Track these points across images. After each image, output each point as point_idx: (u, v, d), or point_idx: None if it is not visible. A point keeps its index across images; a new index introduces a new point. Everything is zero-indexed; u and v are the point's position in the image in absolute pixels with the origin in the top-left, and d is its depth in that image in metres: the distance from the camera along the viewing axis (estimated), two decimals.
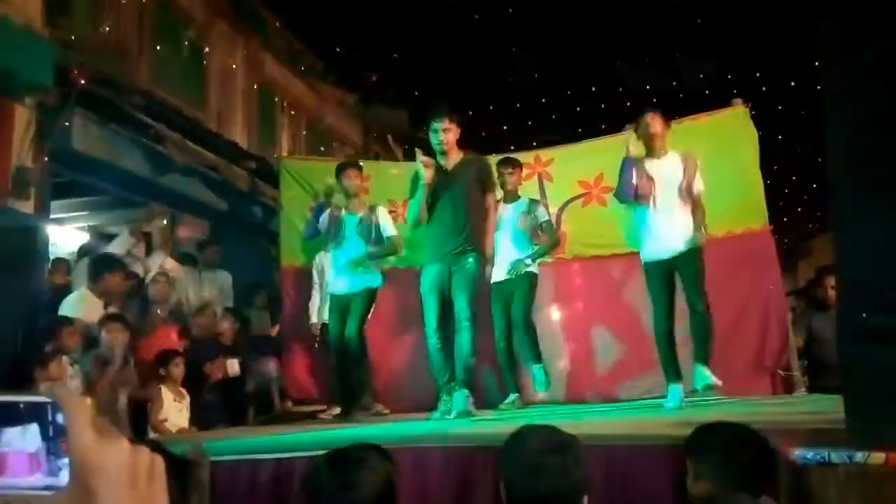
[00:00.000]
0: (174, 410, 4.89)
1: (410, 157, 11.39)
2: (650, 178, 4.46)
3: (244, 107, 8.77)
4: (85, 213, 7.91)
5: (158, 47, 7.10)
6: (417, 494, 2.65)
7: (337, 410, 5.49)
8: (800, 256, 13.11)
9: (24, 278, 5.08)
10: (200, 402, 5.27)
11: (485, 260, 4.57)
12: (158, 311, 5.68)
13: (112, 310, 5.12)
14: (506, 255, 5.28)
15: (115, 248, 5.69)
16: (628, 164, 4.50)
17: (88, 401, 0.57)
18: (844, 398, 2.42)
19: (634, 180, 4.47)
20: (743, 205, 5.62)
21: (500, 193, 5.27)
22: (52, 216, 6.20)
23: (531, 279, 5.38)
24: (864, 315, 2.33)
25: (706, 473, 2.05)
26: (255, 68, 9.06)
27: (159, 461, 0.59)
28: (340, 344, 5.22)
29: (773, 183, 5.75)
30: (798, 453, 2.03)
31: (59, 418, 0.56)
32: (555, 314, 6.00)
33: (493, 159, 5.52)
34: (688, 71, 8.46)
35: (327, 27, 8.64)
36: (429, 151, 4.64)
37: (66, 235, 7.85)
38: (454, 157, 4.60)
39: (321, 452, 2.10)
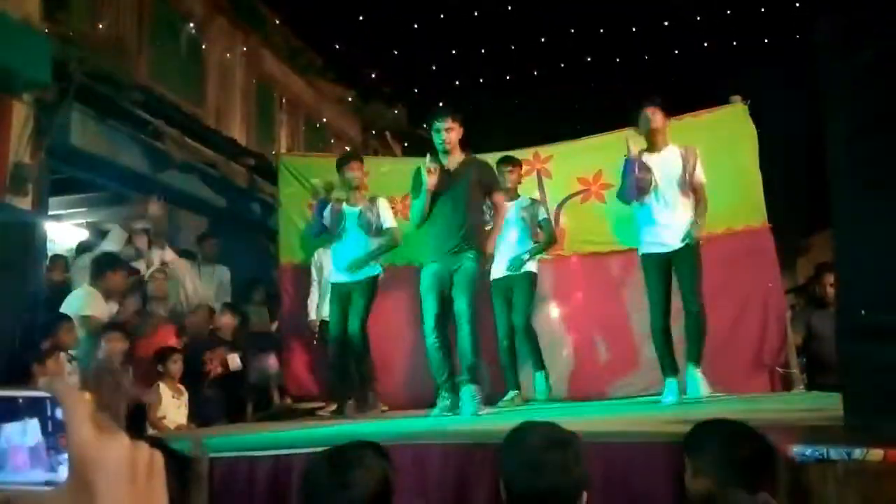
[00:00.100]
0: (172, 407, 4.89)
1: (409, 153, 11.41)
2: (649, 171, 4.46)
3: (243, 103, 8.76)
4: (83, 209, 7.90)
5: (157, 43, 7.09)
6: (417, 491, 2.65)
7: (335, 406, 5.50)
8: (799, 254, 13.10)
9: (22, 275, 5.08)
10: (200, 398, 5.28)
11: (484, 259, 4.58)
12: (159, 311, 5.67)
13: (113, 317, 5.13)
14: (506, 252, 5.31)
15: (109, 244, 5.68)
16: (630, 164, 4.48)
17: (87, 396, 0.57)
18: (843, 395, 2.42)
19: (637, 178, 4.46)
20: (742, 202, 5.63)
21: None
22: (50, 213, 6.19)
23: (531, 279, 5.40)
24: (862, 312, 2.33)
25: (705, 470, 2.05)
26: (254, 65, 9.05)
27: (158, 457, 0.59)
28: (341, 335, 5.23)
29: (773, 180, 5.74)
30: (797, 450, 2.03)
31: (58, 413, 0.56)
32: (553, 311, 6.01)
33: (493, 157, 5.52)
34: (687, 68, 8.46)
35: (326, 24, 8.62)
36: (428, 150, 4.64)
37: (64, 232, 7.84)
38: (456, 157, 4.61)
39: (319, 449, 2.10)
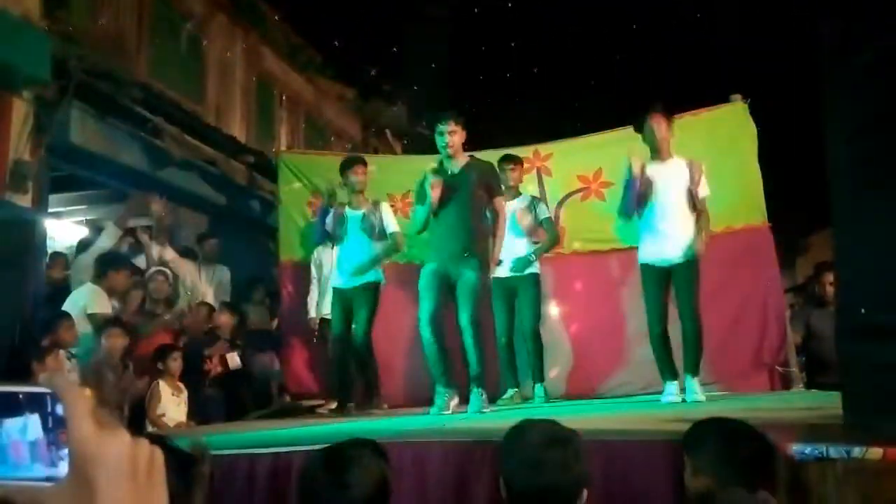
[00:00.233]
0: (172, 405, 4.90)
1: (409, 151, 11.41)
2: (650, 185, 4.46)
3: (243, 101, 8.75)
4: (83, 206, 7.90)
5: (157, 40, 7.08)
6: (416, 489, 2.66)
7: (335, 404, 5.50)
8: (798, 253, 13.12)
9: (22, 272, 5.08)
10: (200, 397, 5.28)
11: (486, 266, 4.58)
12: (158, 311, 5.67)
13: (114, 313, 5.14)
14: (508, 251, 5.29)
15: (103, 241, 5.67)
16: (632, 183, 4.48)
17: (88, 392, 0.57)
18: (842, 394, 2.43)
19: (638, 194, 4.47)
20: (742, 201, 5.63)
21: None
22: (50, 210, 6.19)
23: (536, 280, 5.41)
24: (862, 311, 2.33)
25: (704, 469, 2.05)
26: (254, 62, 9.04)
27: (159, 453, 0.59)
28: (342, 337, 5.23)
29: (773, 179, 5.74)
30: (796, 449, 2.03)
31: (59, 409, 0.56)
32: (552, 309, 6.00)
33: (494, 155, 5.52)
34: (687, 67, 8.46)
35: (326, 21, 8.61)
36: (428, 148, 4.65)
37: (64, 229, 7.84)
38: (459, 160, 4.62)
39: (319, 447, 2.10)
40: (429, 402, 4.81)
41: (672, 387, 4.46)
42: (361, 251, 5.24)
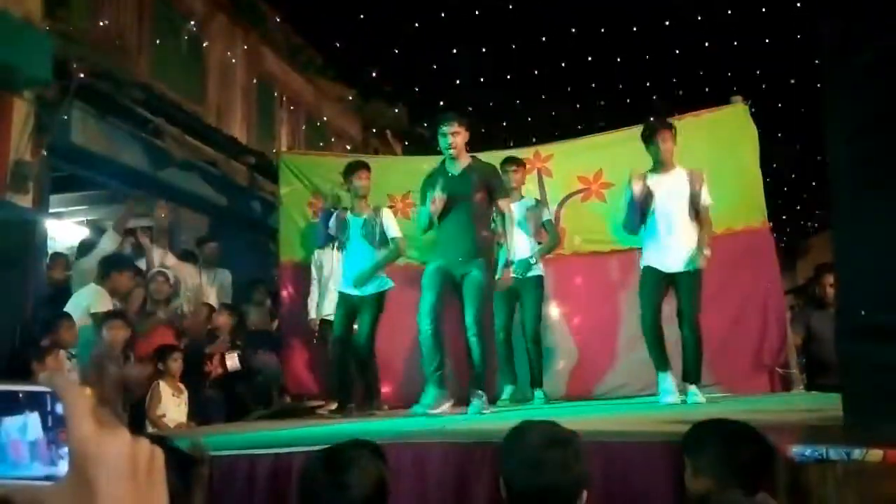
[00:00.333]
0: (172, 405, 4.89)
1: (409, 152, 11.42)
2: (651, 194, 4.49)
3: (243, 101, 8.76)
4: (84, 207, 7.91)
5: (158, 41, 7.09)
6: (417, 490, 2.66)
7: (335, 405, 5.51)
8: (799, 254, 13.12)
9: (23, 272, 5.09)
10: (201, 398, 5.28)
11: (491, 266, 4.60)
12: (158, 311, 5.68)
13: (114, 306, 5.15)
14: (511, 252, 5.30)
15: (104, 244, 5.68)
16: (634, 205, 4.54)
17: (88, 391, 0.57)
18: (842, 396, 2.43)
19: (640, 210, 4.52)
20: (742, 202, 5.63)
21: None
22: (50, 210, 6.19)
23: (539, 283, 5.42)
24: (862, 313, 2.33)
25: (704, 470, 2.05)
26: (255, 63, 9.05)
27: (159, 453, 0.59)
28: (343, 340, 5.23)
29: (773, 181, 5.75)
30: (796, 450, 2.03)
31: (58, 408, 0.56)
32: (552, 310, 6.00)
33: (495, 156, 5.52)
34: (688, 69, 8.46)
35: (326, 22, 8.61)
36: (428, 149, 4.65)
37: (64, 230, 7.85)
38: (462, 161, 4.62)
39: (319, 448, 2.10)
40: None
41: (666, 378, 4.50)
42: (363, 258, 5.22)
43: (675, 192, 4.49)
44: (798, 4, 6.12)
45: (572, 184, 6.15)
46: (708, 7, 7.65)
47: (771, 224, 5.68)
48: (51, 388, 0.56)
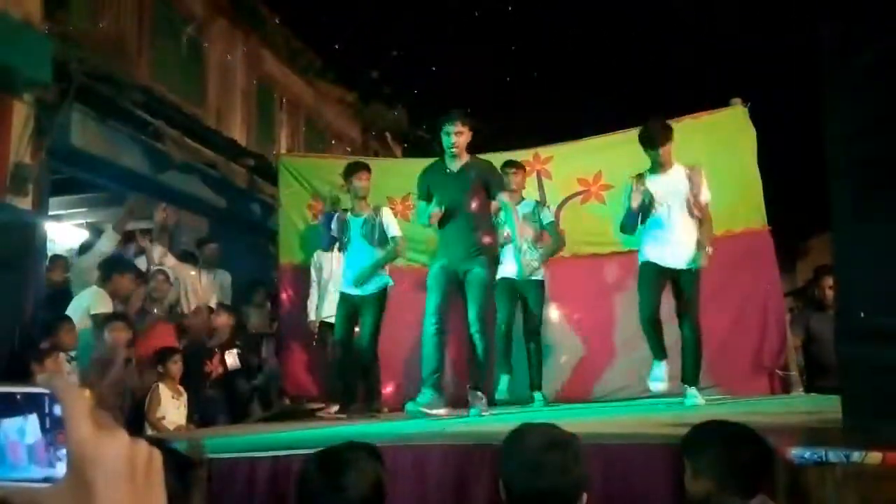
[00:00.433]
0: (172, 408, 4.89)
1: (409, 154, 11.42)
2: (651, 196, 4.51)
3: (243, 104, 8.76)
4: (83, 209, 7.90)
5: (158, 44, 7.09)
6: (416, 492, 2.66)
7: (335, 408, 5.50)
8: (798, 256, 13.11)
9: (23, 275, 5.08)
10: (202, 398, 5.28)
11: (493, 262, 4.62)
12: (156, 310, 5.68)
13: (114, 308, 5.15)
14: (512, 255, 5.30)
15: (103, 245, 5.68)
16: (632, 214, 4.59)
17: (87, 392, 0.57)
18: (842, 398, 2.42)
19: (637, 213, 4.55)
20: (742, 204, 5.63)
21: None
22: (50, 213, 6.19)
23: (541, 286, 5.44)
24: (861, 315, 2.33)
25: (704, 472, 2.05)
26: (255, 65, 9.05)
27: (157, 454, 0.59)
28: (344, 341, 5.23)
29: (772, 182, 5.75)
30: (795, 452, 2.03)
31: (57, 410, 0.56)
32: (552, 313, 6.00)
33: (494, 158, 5.53)
34: (688, 70, 8.47)
35: (326, 24, 8.62)
36: (428, 151, 4.66)
37: (64, 232, 7.84)
38: (462, 160, 4.63)
39: (316, 450, 2.10)
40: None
41: (660, 366, 4.54)
42: (364, 257, 5.23)
43: (675, 191, 4.51)
44: (797, 6, 6.12)
45: (572, 186, 6.16)
46: (707, 9, 7.66)
47: (770, 226, 5.68)
48: (49, 390, 0.56)
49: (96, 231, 7.70)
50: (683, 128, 5.69)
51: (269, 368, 6.25)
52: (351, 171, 5.40)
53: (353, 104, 11.42)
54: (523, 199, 5.58)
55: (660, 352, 4.57)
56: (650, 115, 4.55)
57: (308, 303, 6.07)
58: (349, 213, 5.39)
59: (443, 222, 4.58)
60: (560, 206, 6.12)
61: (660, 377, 4.54)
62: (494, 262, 4.66)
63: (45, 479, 0.55)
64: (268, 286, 7.04)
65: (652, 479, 2.45)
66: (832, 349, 2.68)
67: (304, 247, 6.37)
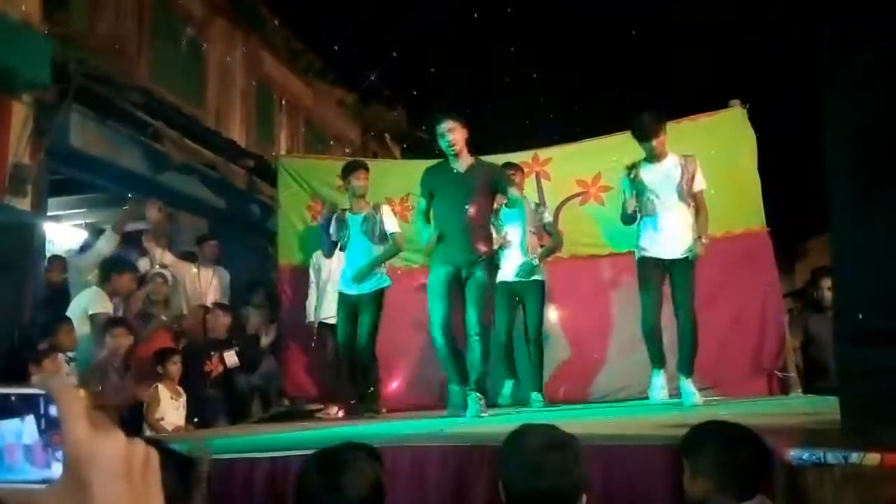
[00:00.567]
0: (171, 409, 4.89)
1: (408, 155, 11.42)
2: (644, 188, 4.53)
3: (242, 105, 8.76)
4: (82, 210, 7.89)
5: (157, 45, 7.09)
6: (416, 493, 2.65)
7: (335, 409, 5.52)
8: (797, 258, 13.11)
9: (21, 276, 5.08)
10: (202, 397, 5.28)
11: (493, 267, 4.64)
12: (157, 313, 5.67)
13: (114, 308, 5.15)
14: (513, 256, 5.31)
15: (102, 246, 5.68)
16: (628, 217, 4.65)
17: (82, 393, 0.57)
18: (840, 399, 2.42)
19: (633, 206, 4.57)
20: (740, 205, 5.64)
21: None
22: (49, 213, 6.19)
23: (541, 287, 5.44)
24: (860, 316, 2.33)
25: (703, 472, 2.05)
26: (254, 66, 9.05)
27: (154, 454, 0.58)
28: (347, 344, 5.24)
29: (771, 184, 5.75)
30: (794, 454, 2.03)
31: (52, 410, 0.55)
32: (552, 314, 6.00)
33: (493, 160, 5.53)
34: (686, 71, 8.47)
35: (326, 25, 8.63)
36: (428, 152, 4.66)
37: (63, 233, 7.83)
38: (465, 160, 4.58)
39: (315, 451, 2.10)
40: (430, 406, 4.82)
41: (659, 375, 4.56)
42: (363, 255, 5.24)
43: (669, 180, 4.52)
44: (797, 6, 6.13)
45: (570, 187, 6.16)
46: (707, 9, 7.67)
47: (769, 227, 5.69)
48: (45, 391, 0.56)
49: (95, 231, 7.69)
50: (682, 129, 5.71)
51: (268, 367, 6.24)
52: (349, 171, 5.41)
53: (353, 105, 11.42)
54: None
55: (659, 360, 4.59)
56: (655, 134, 4.54)
57: (307, 304, 6.07)
58: (348, 212, 5.39)
59: (444, 224, 4.59)
60: (559, 208, 6.12)
61: (660, 385, 4.56)
62: (494, 265, 4.68)
63: (43, 481, 0.55)
64: (267, 287, 7.03)
65: (651, 479, 2.45)
66: (830, 350, 2.68)
67: (303, 248, 6.38)
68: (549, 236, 5.58)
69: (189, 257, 6.66)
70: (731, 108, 5.89)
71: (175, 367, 4.97)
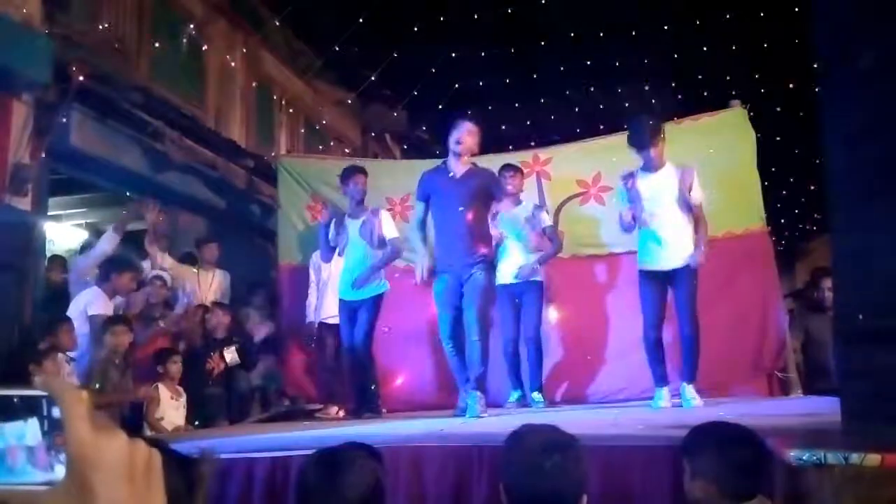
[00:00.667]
0: (171, 408, 4.90)
1: (409, 155, 11.41)
2: (641, 198, 4.53)
3: (242, 105, 8.75)
4: (83, 210, 7.90)
5: (157, 44, 7.08)
6: (415, 493, 2.66)
7: (335, 409, 5.52)
8: (797, 258, 13.12)
9: (22, 275, 5.08)
10: (203, 397, 5.29)
11: (492, 269, 4.67)
12: (156, 315, 5.67)
13: (114, 308, 5.16)
14: (512, 259, 5.33)
15: (103, 246, 5.68)
16: (625, 225, 4.66)
17: (84, 394, 0.57)
18: (840, 400, 2.43)
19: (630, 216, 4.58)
20: (741, 206, 5.64)
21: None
22: (49, 213, 6.18)
23: (540, 287, 5.44)
24: (860, 317, 2.33)
25: (703, 473, 2.05)
26: (254, 66, 9.04)
27: (156, 455, 0.59)
28: (350, 348, 5.26)
29: (771, 184, 5.76)
30: (794, 454, 2.03)
31: (55, 412, 0.55)
32: (552, 314, 6.00)
33: (494, 160, 5.55)
34: (687, 72, 8.47)
35: (326, 25, 8.61)
36: (426, 153, 4.70)
37: (63, 232, 7.84)
38: (464, 165, 4.65)
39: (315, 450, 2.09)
40: (430, 406, 4.83)
41: (660, 395, 4.57)
42: (362, 259, 5.26)
43: (666, 191, 4.51)
44: (797, 8, 6.13)
45: (571, 187, 6.16)
46: (707, 10, 7.66)
47: (770, 227, 5.69)
48: (47, 392, 0.56)
49: (95, 231, 7.70)
50: (683, 129, 5.71)
51: (268, 367, 6.24)
52: (347, 176, 5.44)
53: (353, 105, 11.40)
54: (521, 202, 5.59)
55: (661, 378, 4.59)
56: (652, 141, 4.53)
57: (307, 304, 6.07)
58: (347, 217, 5.41)
59: (441, 230, 4.63)
60: (559, 208, 6.12)
61: (661, 398, 4.57)
62: (493, 268, 4.73)
63: (46, 483, 0.55)
64: (267, 287, 7.03)
65: (651, 480, 2.45)
66: (831, 351, 2.68)
67: (303, 248, 6.37)
68: (549, 241, 5.58)
69: (189, 258, 6.66)
70: (732, 109, 5.90)
71: (175, 366, 4.98)
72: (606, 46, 8.23)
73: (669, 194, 4.50)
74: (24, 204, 5.33)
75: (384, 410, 5.54)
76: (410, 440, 3.01)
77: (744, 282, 5.53)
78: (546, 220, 5.62)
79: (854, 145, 2.41)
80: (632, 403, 5.23)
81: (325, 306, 5.81)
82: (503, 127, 8.90)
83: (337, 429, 4.16)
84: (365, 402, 5.26)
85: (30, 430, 0.56)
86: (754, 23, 7.71)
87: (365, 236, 5.28)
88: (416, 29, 7.94)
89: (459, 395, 4.62)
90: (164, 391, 4.87)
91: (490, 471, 2.53)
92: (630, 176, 4.63)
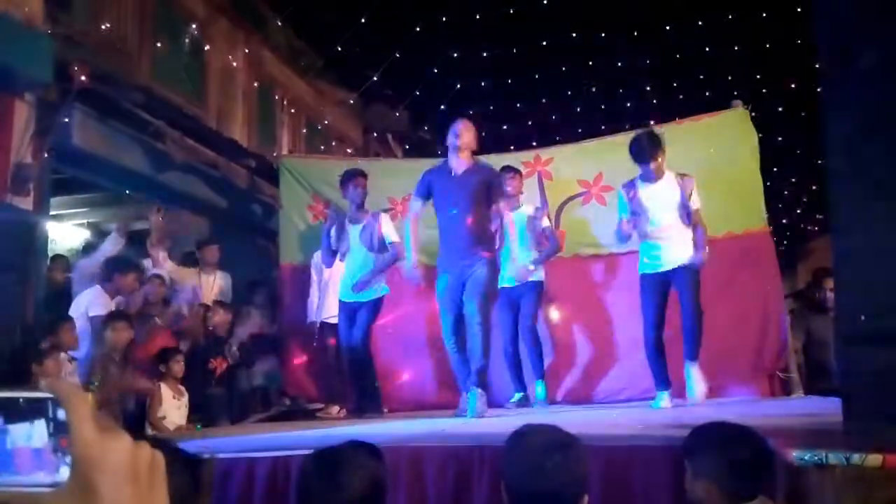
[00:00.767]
0: (173, 408, 4.90)
1: (410, 155, 11.41)
2: (642, 207, 4.54)
3: (244, 104, 8.75)
4: (84, 209, 7.90)
5: (158, 44, 7.08)
6: (416, 493, 2.66)
7: (335, 409, 5.53)
8: (799, 258, 13.11)
9: (23, 275, 5.08)
10: (204, 396, 5.29)
11: (494, 265, 4.66)
12: (154, 314, 5.67)
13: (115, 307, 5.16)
14: (511, 261, 5.32)
15: (107, 247, 5.69)
16: (623, 236, 4.70)
17: (89, 396, 0.57)
18: (842, 400, 2.43)
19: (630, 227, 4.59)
20: (742, 206, 5.64)
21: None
22: (51, 213, 6.19)
23: (539, 287, 5.45)
24: (862, 318, 2.33)
25: (705, 473, 2.05)
26: (256, 66, 9.04)
27: (160, 457, 0.59)
28: (351, 349, 5.26)
29: (773, 185, 5.76)
30: (795, 454, 2.03)
31: (60, 414, 0.56)
32: (552, 313, 6.00)
33: (495, 160, 5.54)
34: (688, 72, 8.46)
35: (328, 25, 8.61)
36: (428, 153, 4.70)
37: (65, 232, 7.85)
38: (465, 162, 4.63)
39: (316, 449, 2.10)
40: (431, 406, 4.82)
41: (664, 396, 4.56)
42: (363, 264, 5.26)
43: (666, 200, 4.55)
44: (799, 8, 6.13)
45: (572, 187, 6.16)
46: (708, 10, 7.65)
47: (771, 227, 5.69)
48: (52, 394, 0.56)
49: (97, 231, 7.71)
50: (685, 130, 5.71)
51: (269, 367, 6.24)
52: (346, 179, 5.45)
53: (355, 105, 11.41)
54: (521, 203, 5.59)
55: (662, 382, 4.59)
56: (650, 116, 4.55)
57: (308, 303, 6.08)
58: (347, 222, 5.42)
59: (443, 228, 4.63)
60: (560, 208, 6.13)
61: (662, 400, 4.57)
62: (495, 265, 4.70)
63: (52, 484, 0.55)
64: (268, 287, 7.03)
65: (653, 480, 2.45)
66: (832, 351, 2.69)
67: (305, 248, 6.38)
68: (547, 241, 5.58)
69: (190, 260, 6.66)
70: (734, 109, 5.89)
71: (178, 365, 4.98)
72: (607, 46, 8.22)
73: (670, 203, 4.53)
74: (25, 203, 5.33)
75: (385, 410, 5.55)
76: (411, 440, 3.01)
77: (745, 282, 5.52)
78: (546, 221, 5.63)
79: (855, 144, 2.42)
80: (633, 403, 5.23)
81: (326, 306, 5.81)
82: (504, 127, 8.89)
83: (338, 428, 4.16)
84: (366, 401, 5.26)
85: (36, 432, 0.56)
86: (756, 23, 7.70)
87: (365, 241, 5.29)
88: (417, 29, 7.93)
89: (461, 398, 4.61)
90: (166, 390, 4.88)
91: (491, 470, 2.54)
92: (631, 186, 4.64)
